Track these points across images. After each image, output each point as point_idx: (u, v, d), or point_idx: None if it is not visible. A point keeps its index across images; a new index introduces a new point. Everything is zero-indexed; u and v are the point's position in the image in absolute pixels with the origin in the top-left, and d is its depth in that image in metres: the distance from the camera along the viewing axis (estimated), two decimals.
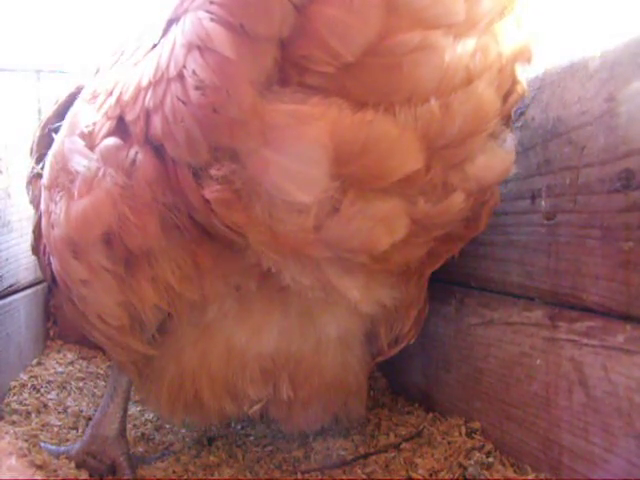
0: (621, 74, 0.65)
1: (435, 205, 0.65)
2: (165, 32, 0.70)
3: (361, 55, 0.56)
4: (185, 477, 0.91)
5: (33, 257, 1.06)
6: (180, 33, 0.64)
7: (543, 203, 0.77)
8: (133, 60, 0.76)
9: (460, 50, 0.58)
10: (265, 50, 0.58)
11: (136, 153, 0.71)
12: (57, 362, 1.41)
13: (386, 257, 0.67)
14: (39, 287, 1.43)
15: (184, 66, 0.62)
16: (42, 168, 0.92)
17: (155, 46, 0.72)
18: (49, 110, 0.99)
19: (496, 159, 0.68)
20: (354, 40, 0.56)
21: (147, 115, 0.69)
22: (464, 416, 0.97)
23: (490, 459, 0.83)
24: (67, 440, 1.02)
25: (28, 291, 1.36)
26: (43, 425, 1.06)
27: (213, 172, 0.64)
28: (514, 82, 0.66)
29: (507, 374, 0.86)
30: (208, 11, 0.60)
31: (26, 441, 0.95)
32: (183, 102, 0.63)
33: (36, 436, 1.00)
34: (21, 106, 1.54)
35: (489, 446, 0.87)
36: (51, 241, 0.82)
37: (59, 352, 1.48)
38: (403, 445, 0.96)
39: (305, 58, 0.58)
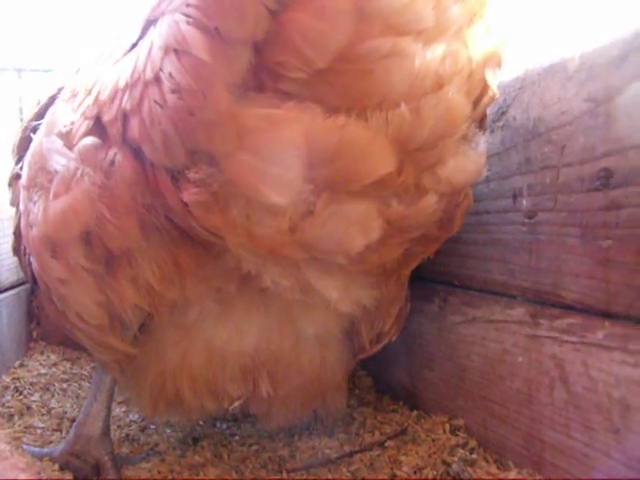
0: (599, 75, 0.66)
1: (408, 207, 0.67)
2: (143, 33, 0.70)
3: (333, 61, 0.57)
4: (170, 477, 0.91)
5: (15, 258, 1.06)
6: (157, 35, 0.64)
7: (524, 202, 0.78)
8: (112, 59, 0.76)
9: (430, 56, 0.59)
10: (240, 54, 0.59)
11: (115, 154, 0.71)
12: (40, 364, 1.40)
13: (363, 258, 0.68)
14: (21, 288, 1.42)
15: (161, 69, 0.63)
16: (21, 169, 0.92)
17: (134, 46, 0.72)
18: (30, 112, 0.98)
19: (468, 162, 0.70)
20: (326, 46, 0.57)
21: (124, 117, 0.69)
22: (448, 414, 0.97)
23: (474, 456, 0.84)
24: (50, 442, 1.02)
25: (10, 292, 1.35)
26: (26, 427, 1.05)
27: (191, 175, 0.65)
28: (485, 87, 0.67)
29: (490, 372, 0.86)
30: (184, 14, 0.61)
31: (8, 444, 0.93)
32: (160, 105, 0.63)
33: (19, 438, 0.99)
34: (2, 105, 1.52)
35: (473, 443, 0.88)
36: (30, 241, 0.82)
37: (42, 353, 1.47)
38: (388, 443, 0.96)
39: (279, 64, 0.59)
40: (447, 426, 0.94)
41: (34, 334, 1.52)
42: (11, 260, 1.29)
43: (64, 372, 1.37)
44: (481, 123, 0.73)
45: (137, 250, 0.73)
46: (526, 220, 0.78)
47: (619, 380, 0.63)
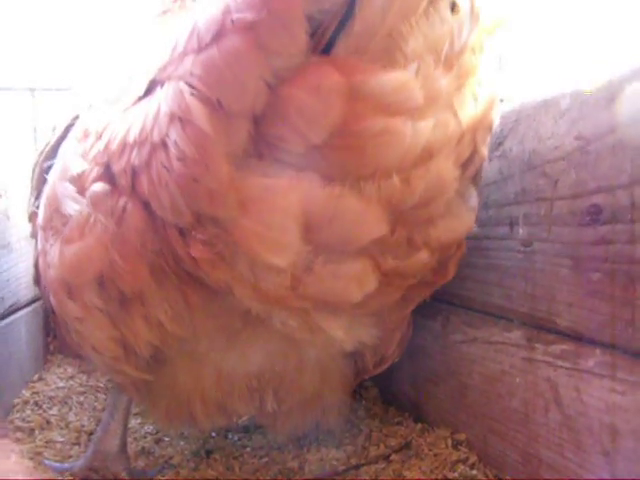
0: (589, 115, 0.70)
1: (402, 261, 0.72)
2: (149, 91, 0.74)
3: (327, 138, 0.61)
4: None
5: (32, 275, 1.10)
6: (164, 100, 0.68)
7: (520, 231, 0.82)
8: (121, 106, 0.80)
9: (420, 130, 0.64)
10: (240, 126, 0.63)
11: (125, 203, 0.74)
12: (58, 377, 1.44)
13: (363, 304, 0.72)
14: (38, 304, 1.47)
15: (167, 135, 0.67)
16: (38, 207, 0.97)
17: (140, 99, 0.75)
18: (47, 142, 1.02)
19: (457, 221, 0.75)
20: (321, 124, 0.61)
21: (134, 172, 0.73)
22: (451, 428, 1.01)
23: (474, 472, 0.87)
24: (70, 456, 1.06)
25: (28, 309, 1.39)
26: (47, 442, 1.10)
27: (197, 235, 0.69)
28: (474, 151, 0.72)
29: (489, 390, 0.90)
30: (189, 84, 0.65)
31: (31, 459, 0.98)
32: (167, 169, 0.67)
33: (40, 453, 1.04)
34: (16, 125, 1.56)
35: (473, 458, 0.92)
36: (48, 280, 0.87)
37: (59, 366, 1.51)
38: (393, 457, 1.00)
39: (277, 137, 0.63)
40: (449, 441, 0.98)
41: (51, 347, 1.57)
42: (27, 278, 1.33)
43: (80, 385, 1.41)
44: (474, 179, 0.78)
45: (148, 292, 0.77)
46: (522, 248, 0.81)
47: (609, 406, 0.66)
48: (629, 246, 0.64)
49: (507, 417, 0.85)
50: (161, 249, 0.74)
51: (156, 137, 0.68)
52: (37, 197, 0.99)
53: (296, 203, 0.63)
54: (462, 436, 0.98)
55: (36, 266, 1.00)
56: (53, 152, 0.96)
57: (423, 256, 0.73)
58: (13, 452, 1.00)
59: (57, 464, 1.00)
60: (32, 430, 1.15)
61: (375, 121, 0.61)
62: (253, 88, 0.62)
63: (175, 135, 0.66)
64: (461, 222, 0.76)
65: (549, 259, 0.76)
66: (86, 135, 0.84)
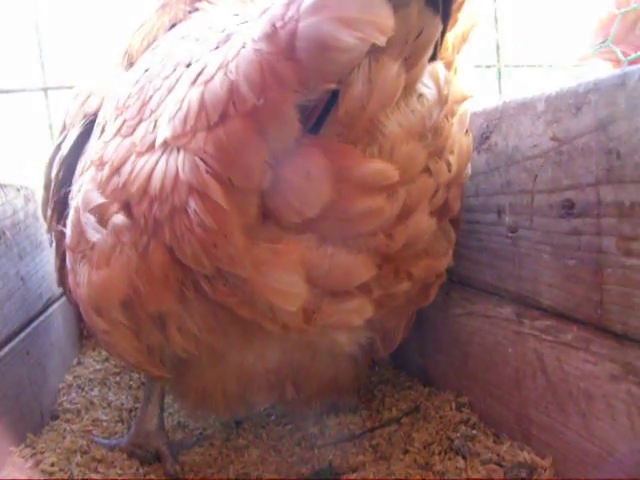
0: (561, 119, 0.78)
1: (389, 290, 0.86)
2: (164, 149, 0.80)
3: (319, 212, 0.73)
4: (220, 460, 1.07)
5: (56, 278, 1.19)
6: (181, 169, 0.76)
7: (507, 218, 0.91)
8: (137, 147, 0.85)
9: (398, 199, 0.76)
10: (251, 201, 0.74)
11: (148, 241, 0.82)
12: (94, 360, 1.56)
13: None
14: None
15: (187, 203, 0.76)
16: (58, 220, 1.06)
17: (154, 149, 0.82)
18: (61, 148, 1.09)
19: (435, 259, 0.89)
20: (312, 204, 0.73)
21: (155, 221, 0.80)
22: (455, 391, 1.12)
23: (474, 431, 0.98)
24: (115, 433, 1.18)
25: (62, 300, 1.50)
26: (93, 421, 1.22)
27: (219, 286, 0.80)
28: (446, 202, 0.87)
29: (487, 358, 1.01)
30: (203, 160, 0.74)
31: (82, 437, 1.10)
32: (189, 231, 0.77)
33: (89, 432, 1.16)
34: (33, 126, 1.64)
35: (474, 419, 1.03)
36: (78, 297, 0.96)
37: (94, 350, 1.63)
38: (403, 419, 1.11)
39: (277, 210, 0.75)
40: (453, 403, 1.08)
41: (85, 332, 1.68)
42: None
43: (115, 366, 1.53)
44: (454, 224, 0.94)
45: (176, 312, 0.86)
46: (509, 234, 0.91)
47: (584, 374, 0.77)
48: (596, 237, 0.73)
49: (502, 382, 0.96)
50: (184, 281, 0.83)
51: (177, 202, 0.77)
52: (54, 209, 1.08)
53: (297, 262, 0.76)
54: (464, 399, 1.08)
55: (59, 271, 1.10)
56: (69, 160, 1.05)
57: (406, 285, 0.88)
58: (66, 431, 1.12)
59: (106, 441, 1.12)
60: (79, 411, 1.27)
61: (358, 202, 0.74)
62: (259, 169, 0.72)
63: (194, 205, 0.75)
64: (439, 260, 0.91)
65: (532, 245, 0.85)
66: (102, 163, 0.91)
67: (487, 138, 0.95)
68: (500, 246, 0.94)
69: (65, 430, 1.14)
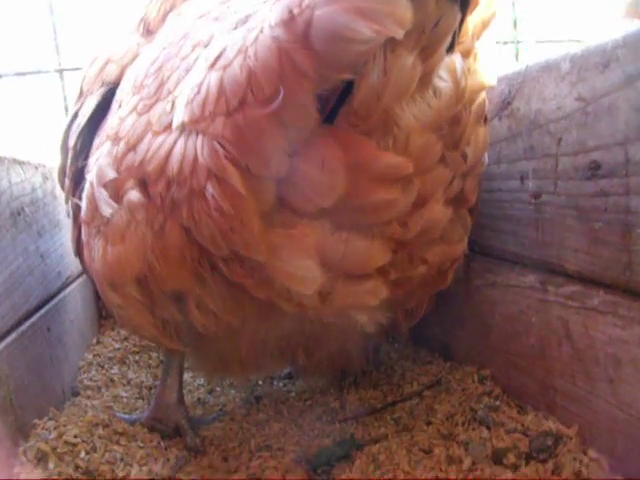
0: (587, 78, 0.76)
1: (405, 273, 0.85)
2: (181, 131, 0.80)
3: (334, 203, 0.72)
4: (241, 434, 1.07)
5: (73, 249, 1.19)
6: (200, 153, 0.76)
7: (530, 184, 0.89)
8: (154, 126, 0.85)
9: (412, 189, 0.76)
10: (268, 188, 0.74)
11: (164, 220, 0.82)
12: (113, 339, 1.57)
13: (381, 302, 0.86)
14: None
15: (205, 187, 0.76)
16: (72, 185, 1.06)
17: (171, 129, 0.81)
18: (78, 115, 1.09)
19: (450, 246, 0.89)
20: (327, 195, 0.73)
21: (173, 202, 0.81)
22: (477, 364, 1.10)
23: (497, 402, 0.97)
24: (136, 409, 1.18)
25: (80, 279, 1.51)
26: (114, 397, 1.22)
27: (236, 267, 0.80)
28: (462, 193, 0.86)
29: (510, 329, 0.99)
30: (222, 145, 0.74)
31: (103, 412, 1.11)
32: (207, 214, 0.77)
33: (110, 407, 1.16)
34: (49, 107, 1.64)
35: (497, 390, 1.01)
36: (92, 271, 0.96)
37: (113, 329, 1.64)
38: (425, 393, 1.10)
39: (293, 200, 0.74)
40: (475, 376, 1.07)
41: (103, 312, 1.69)
42: None
43: (134, 345, 1.53)
44: (471, 212, 0.92)
45: (193, 291, 0.87)
46: (532, 200, 0.89)
47: (612, 339, 0.75)
48: (625, 198, 0.71)
49: (526, 353, 0.95)
50: (201, 261, 0.83)
51: (195, 185, 0.77)
52: (72, 180, 1.07)
53: (312, 246, 0.76)
54: (487, 372, 1.07)
55: (75, 242, 1.10)
56: (88, 130, 1.05)
57: (422, 269, 0.87)
58: (87, 407, 1.13)
59: (127, 416, 1.12)
60: (99, 388, 1.28)
61: (373, 194, 0.73)
62: (276, 157, 0.72)
63: (212, 190, 0.75)
64: (454, 247, 0.91)
65: (556, 210, 0.84)
66: (117, 139, 0.91)
67: (509, 104, 0.93)
68: (523, 213, 0.92)
69: (86, 406, 1.15)
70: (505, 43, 2.24)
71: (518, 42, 2.23)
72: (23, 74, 1.70)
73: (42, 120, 1.60)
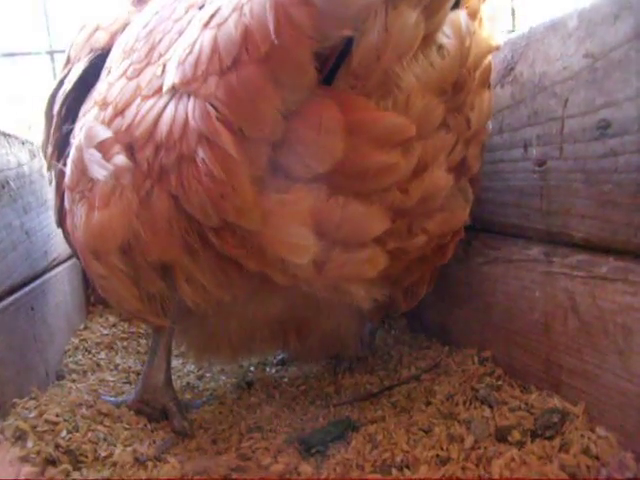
0: (596, 32, 0.72)
1: (403, 243, 0.81)
2: (173, 94, 0.77)
3: (331, 168, 0.69)
4: (231, 417, 1.03)
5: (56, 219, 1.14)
6: (191, 115, 0.73)
7: (534, 151, 0.85)
8: (143, 90, 0.82)
9: (413, 153, 0.72)
10: (261, 151, 0.70)
11: (151, 187, 0.79)
12: (101, 325, 1.53)
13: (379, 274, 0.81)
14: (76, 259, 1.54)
15: (195, 152, 0.72)
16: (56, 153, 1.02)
17: (159, 91, 0.78)
18: (64, 82, 1.04)
19: (452, 215, 0.85)
20: (324, 159, 0.69)
21: (161, 168, 0.77)
22: (477, 346, 1.06)
23: (499, 382, 0.93)
24: (123, 392, 1.14)
25: (68, 262, 1.47)
26: (100, 381, 1.18)
27: (227, 238, 0.76)
28: (465, 160, 0.82)
29: (512, 306, 0.95)
30: (214, 106, 0.70)
31: (89, 394, 1.06)
32: (197, 180, 0.73)
33: (96, 390, 1.11)
34: (39, 87, 1.61)
35: (499, 371, 0.97)
36: (75, 239, 0.92)
37: (101, 316, 1.60)
38: (423, 376, 1.06)
39: (287, 163, 0.70)
40: (476, 358, 1.03)
41: (92, 299, 1.65)
42: None
43: (123, 332, 1.49)
44: (472, 182, 0.89)
45: (181, 263, 0.83)
46: (536, 168, 0.85)
47: (622, 308, 0.71)
48: (637, 156, 0.67)
49: (529, 330, 0.90)
50: (190, 231, 0.79)
51: (185, 150, 0.73)
52: (55, 147, 1.03)
53: (306, 212, 0.72)
54: (488, 353, 1.03)
55: (59, 211, 1.05)
56: (74, 100, 1.01)
57: (422, 240, 0.83)
58: (72, 389, 1.08)
59: (113, 399, 1.08)
60: (85, 372, 1.23)
61: (372, 157, 0.69)
62: (271, 119, 0.68)
63: (203, 154, 0.71)
64: (455, 216, 0.86)
65: (562, 175, 0.80)
66: (105, 104, 0.87)
67: (512, 69, 0.89)
68: (526, 182, 0.88)
69: (71, 388, 1.10)
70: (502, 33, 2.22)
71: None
72: (13, 55, 1.66)
73: (32, 102, 1.56)
